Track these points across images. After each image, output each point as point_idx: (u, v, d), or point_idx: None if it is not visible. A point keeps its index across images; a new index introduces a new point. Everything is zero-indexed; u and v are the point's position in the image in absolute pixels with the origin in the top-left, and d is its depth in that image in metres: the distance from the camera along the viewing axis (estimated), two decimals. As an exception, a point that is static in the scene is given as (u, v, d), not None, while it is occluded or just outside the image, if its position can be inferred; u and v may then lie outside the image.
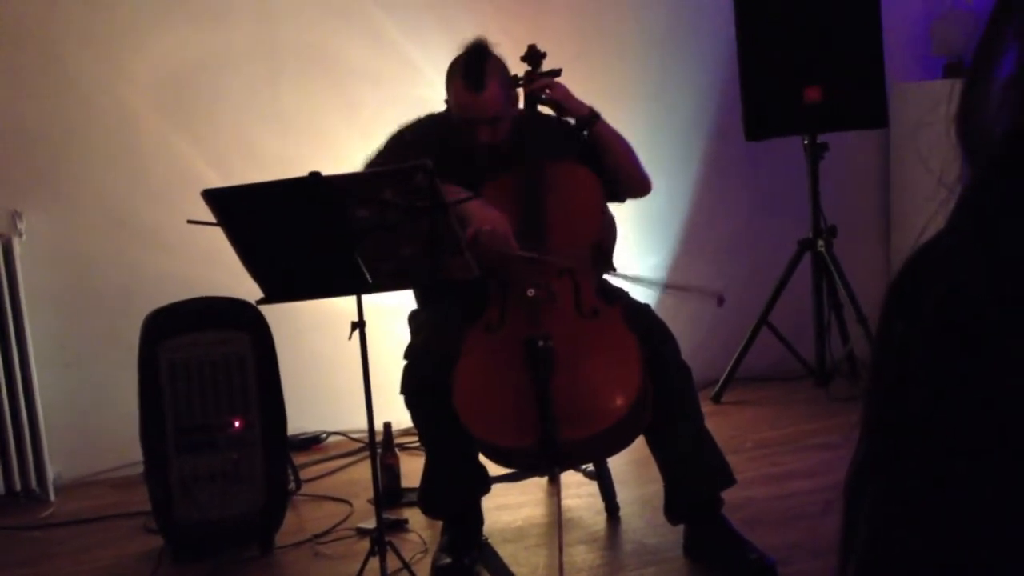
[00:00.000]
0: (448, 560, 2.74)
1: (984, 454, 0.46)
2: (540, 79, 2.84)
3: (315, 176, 2.27)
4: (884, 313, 0.53)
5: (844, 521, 0.54)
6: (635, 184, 2.93)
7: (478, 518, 2.88)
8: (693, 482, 2.74)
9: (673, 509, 2.77)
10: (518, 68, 2.93)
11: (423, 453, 2.91)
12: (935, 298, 0.48)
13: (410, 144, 2.84)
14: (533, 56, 2.92)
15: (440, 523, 2.91)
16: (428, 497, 2.86)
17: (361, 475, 3.55)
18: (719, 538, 2.71)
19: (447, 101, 2.85)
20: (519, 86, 2.89)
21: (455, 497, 2.83)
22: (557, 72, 2.91)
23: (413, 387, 2.71)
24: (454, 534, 2.82)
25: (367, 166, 2.82)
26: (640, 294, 3.00)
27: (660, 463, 2.78)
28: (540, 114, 2.91)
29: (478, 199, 2.64)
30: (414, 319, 2.95)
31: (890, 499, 0.50)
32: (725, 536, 2.71)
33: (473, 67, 2.74)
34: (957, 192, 0.49)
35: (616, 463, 3.12)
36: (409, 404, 2.73)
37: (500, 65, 2.81)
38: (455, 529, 2.83)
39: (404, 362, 2.76)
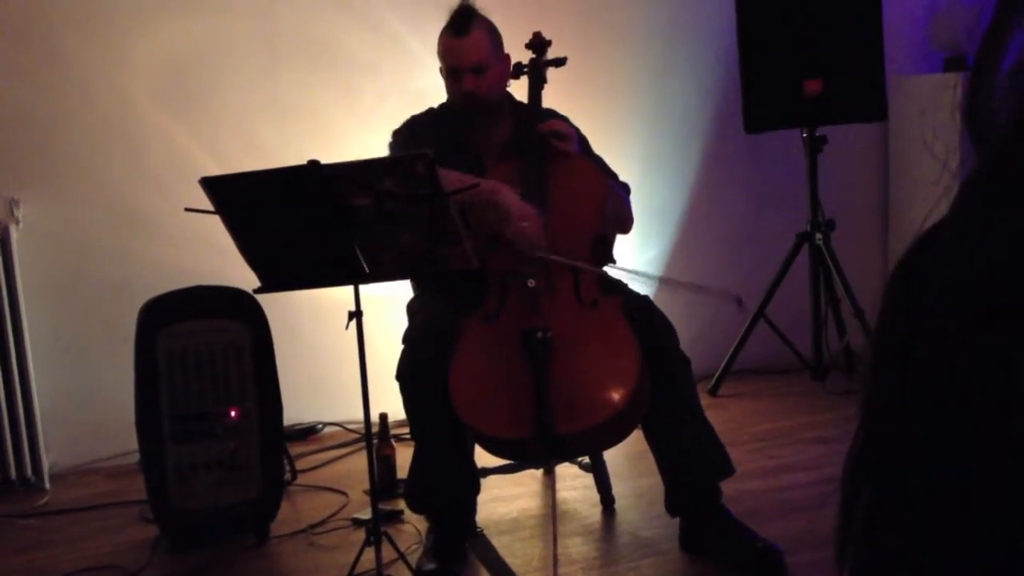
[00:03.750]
0: (433, 566, 2.67)
1: (984, 443, 0.46)
2: (553, 127, 2.81)
3: (313, 164, 2.27)
4: (884, 303, 0.53)
5: (841, 509, 0.54)
6: (618, 231, 2.95)
7: (468, 521, 2.84)
8: (694, 473, 2.73)
9: (674, 501, 2.77)
10: (522, 56, 2.93)
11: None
12: (936, 288, 0.48)
13: (421, 129, 2.87)
14: (538, 44, 2.92)
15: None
16: (415, 491, 2.82)
17: (357, 466, 3.54)
18: (722, 528, 2.71)
19: (441, 70, 2.86)
20: (523, 73, 2.90)
21: (443, 491, 2.78)
22: (562, 60, 2.91)
23: (409, 371, 2.70)
24: (440, 535, 2.76)
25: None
26: (644, 288, 3.00)
27: (659, 455, 2.77)
28: (543, 108, 2.91)
29: (504, 186, 2.64)
30: (412, 307, 2.94)
31: (889, 487, 0.50)
32: (728, 526, 2.71)
33: (458, 16, 2.81)
34: (960, 180, 0.49)
35: (612, 456, 3.12)
36: (403, 389, 2.72)
37: (488, 22, 2.85)
38: (442, 530, 2.78)
39: (401, 348, 2.76)
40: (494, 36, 2.85)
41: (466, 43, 2.78)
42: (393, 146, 2.89)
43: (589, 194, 2.77)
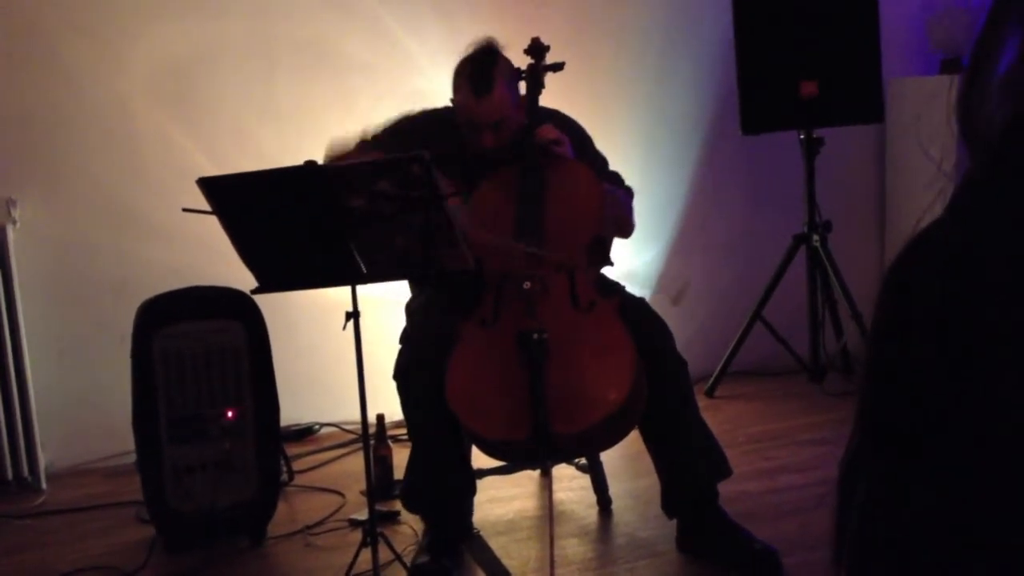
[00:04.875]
0: (426, 558, 2.68)
1: (982, 443, 0.46)
2: (549, 135, 2.77)
3: (310, 165, 2.27)
4: (880, 305, 0.53)
5: (838, 509, 0.54)
6: (618, 235, 2.94)
7: (464, 522, 2.85)
8: (692, 474, 2.73)
9: (671, 502, 2.77)
10: (520, 61, 2.91)
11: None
12: (931, 290, 0.48)
13: (408, 133, 2.84)
14: (536, 49, 2.90)
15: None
16: (411, 490, 2.82)
17: (354, 467, 3.54)
18: (719, 529, 2.71)
19: (453, 100, 2.84)
20: (521, 79, 2.88)
21: (439, 491, 2.78)
22: (560, 65, 2.90)
23: (407, 370, 2.70)
24: (435, 536, 2.78)
25: (366, 139, 2.84)
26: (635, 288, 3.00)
27: (656, 456, 2.77)
28: (542, 108, 2.90)
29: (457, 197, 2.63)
30: (410, 308, 2.94)
31: (884, 486, 0.50)
32: (725, 527, 2.71)
33: (480, 72, 2.75)
34: (955, 181, 0.49)
35: (608, 457, 3.12)
36: (401, 389, 2.72)
37: (508, 67, 2.80)
38: (437, 531, 2.79)
39: (399, 347, 2.76)
40: (513, 83, 2.81)
41: (487, 104, 2.74)
42: (381, 135, 2.87)
43: (586, 198, 2.77)
